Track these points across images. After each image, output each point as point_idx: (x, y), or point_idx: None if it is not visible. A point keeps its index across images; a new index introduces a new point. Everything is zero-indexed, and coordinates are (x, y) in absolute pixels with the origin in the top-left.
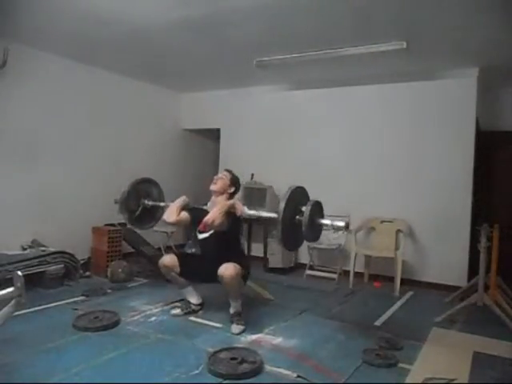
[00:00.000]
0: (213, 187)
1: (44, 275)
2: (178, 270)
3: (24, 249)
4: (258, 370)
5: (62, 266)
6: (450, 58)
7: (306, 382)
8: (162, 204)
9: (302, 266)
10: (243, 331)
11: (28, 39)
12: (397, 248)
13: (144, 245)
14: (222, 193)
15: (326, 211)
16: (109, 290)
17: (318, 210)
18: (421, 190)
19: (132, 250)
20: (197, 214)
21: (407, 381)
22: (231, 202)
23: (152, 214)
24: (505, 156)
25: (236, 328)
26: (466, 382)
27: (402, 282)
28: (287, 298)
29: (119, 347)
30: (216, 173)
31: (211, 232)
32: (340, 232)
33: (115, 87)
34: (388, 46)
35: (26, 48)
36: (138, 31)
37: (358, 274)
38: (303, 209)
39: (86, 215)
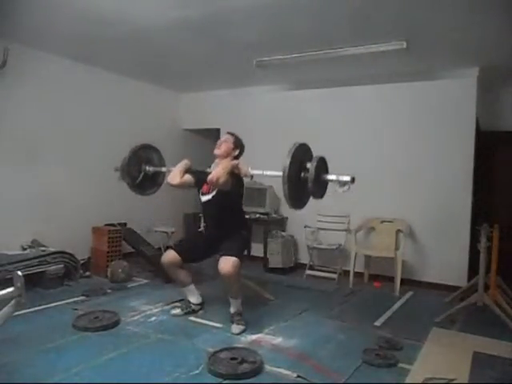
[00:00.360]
0: (217, 152)
1: (44, 275)
2: (180, 261)
3: (24, 249)
4: (258, 370)
5: (62, 266)
6: (450, 58)
7: (305, 382)
8: (163, 169)
9: (302, 266)
10: (243, 331)
11: (28, 39)
12: (397, 248)
13: (144, 245)
14: (225, 156)
15: (325, 210)
16: (109, 290)
17: (323, 166)
18: (421, 189)
19: (132, 250)
20: (200, 176)
21: (407, 381)
22: (235, 161)
23: (154, 180)
24: (505, 156)
25: (236, 328)
26: (466, 382)
27: (402, 282)
28: (287, 297)
29: (119, 347)
30: None
31: (214, 194)
32: (346, 187)
33: (115, 87)
34: (388, 46)
35: (26, 48)
36: (138, 31)
37: (358, 274)
38: (308, 166)
39: (86, 215)
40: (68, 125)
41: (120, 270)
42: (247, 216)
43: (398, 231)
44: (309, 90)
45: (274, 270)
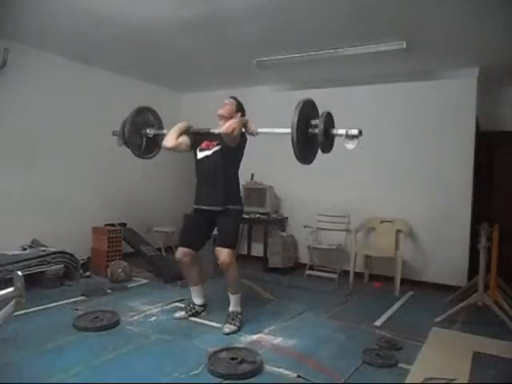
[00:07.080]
0: (221, 111)
1: (44, 275)
2: (190, 254)
3: (24, 249)
4: (258, 370)
5: (62, 266)
6: (450, 58)
7: (305, 382)
8: (164, 131)
9: (302, 266)
10: (234, 332)
11: (28, 39)
12: (397, 248)
13: (144, 245)
14: (228, 118)
15: (325, 210)
16: (109, 290)
17: (330, 121)
18: (421, 189)
19: (132, 250)
20: (199, 137)
21: (407, 381)
22: (246, 118)
23: (155, 142)
24: (505, 156)
25: (226, 327)
26: (466, 382)
27: (402, 281)
28: (287, 297)
29: (119, 347)
30: None
31: (215, 149)
32: (354, 143)
33: (115, 87)
34: (388, 46)
35: (26, 48)
36: (138, 31)
37: (358, 274)
38: (313, 122)
39: (86, 215)
40: (68, 125)
41: (120, 270)
42: (247, 216)
43: (398, 231)
44: (309, 90)
45: (274, 270)
